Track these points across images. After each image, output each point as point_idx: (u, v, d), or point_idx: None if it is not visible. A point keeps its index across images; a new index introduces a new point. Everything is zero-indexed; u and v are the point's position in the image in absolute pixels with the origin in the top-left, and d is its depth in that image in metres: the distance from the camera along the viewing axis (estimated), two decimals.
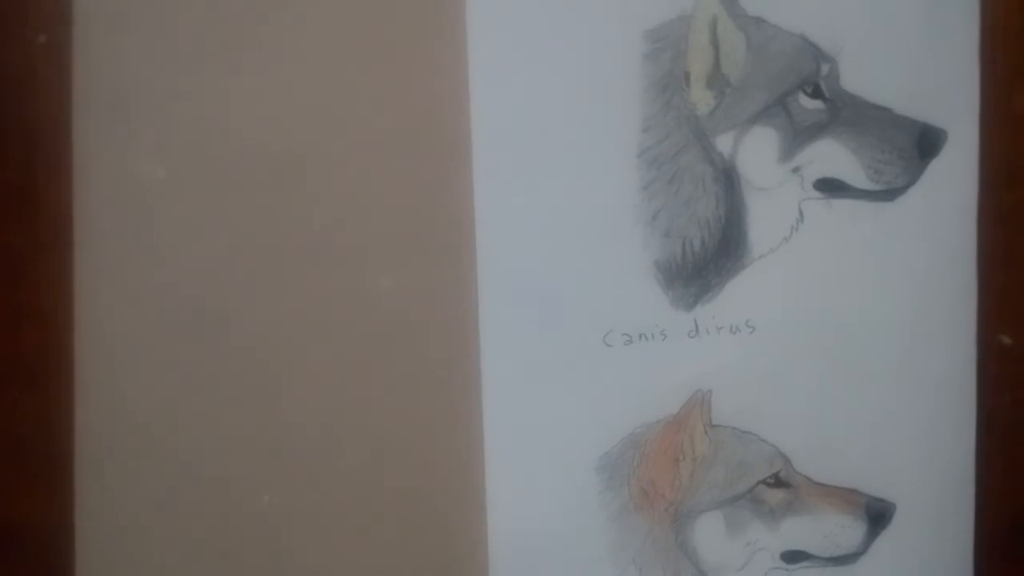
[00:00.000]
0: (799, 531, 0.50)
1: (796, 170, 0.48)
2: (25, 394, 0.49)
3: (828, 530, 0.50)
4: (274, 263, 0.47)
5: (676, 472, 0.49)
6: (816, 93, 0.48)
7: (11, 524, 0.49)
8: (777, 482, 0.50)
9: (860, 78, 0.48)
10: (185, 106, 0.46)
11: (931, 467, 0.50)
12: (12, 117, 0.48)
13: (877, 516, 0.50)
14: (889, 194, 0.49)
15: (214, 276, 0.47)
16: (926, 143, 0.49)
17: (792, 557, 0.50)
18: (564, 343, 0.48)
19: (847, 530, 0.50)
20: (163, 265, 0.47)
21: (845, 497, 0.50)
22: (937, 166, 0.49)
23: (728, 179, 0.48)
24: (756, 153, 0.48)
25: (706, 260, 0.48)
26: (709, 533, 0.49)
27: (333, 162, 0.47)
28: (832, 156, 0.48)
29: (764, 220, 0.48)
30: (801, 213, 0.49)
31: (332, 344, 0.47)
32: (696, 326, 0.48)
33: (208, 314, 0.47)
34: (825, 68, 0.48)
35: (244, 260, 0.47)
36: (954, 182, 0.49)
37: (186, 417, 0.47)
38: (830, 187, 0.49)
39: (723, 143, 0.48)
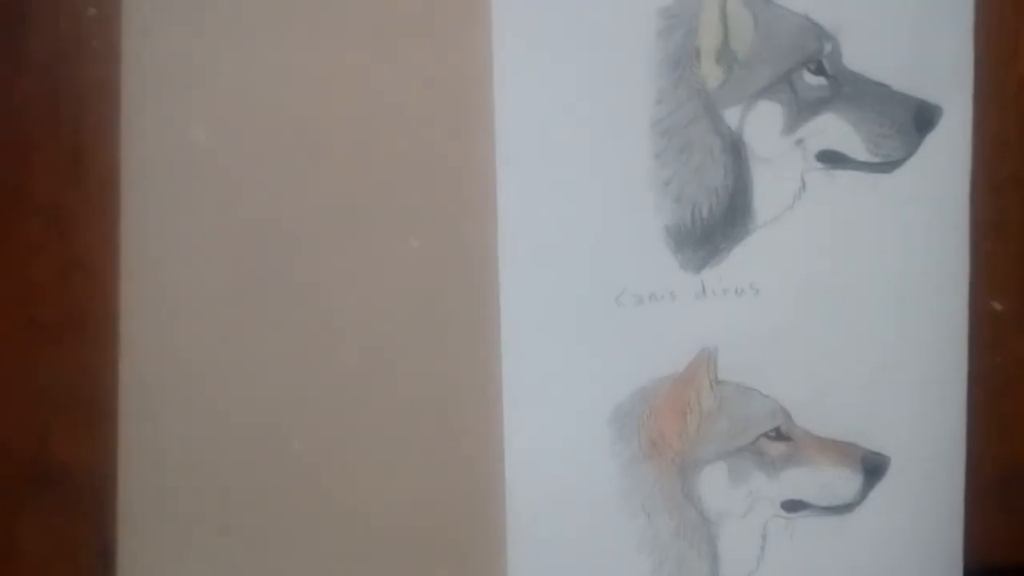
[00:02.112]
0: (799, 481, 0.51)
1: (800, 142, 0.50)
2: (73, 344, 0.51)
3: (826, 481, 0.51)
4: (309, 224, 0.49)
5: (683, 425, 0.50)
6: (819, 70, 0.50)
7: (59, 465, 0.51)
8: (778, 435, 0.51)
9: (861, 56, 0.50)
10: (228, 75, 0.48)
11: (925, 424, 0.52)
12: (64, 85, 0.50)
13: (873, 468, 0.51)
14: (887, 166, 0.51)
15: (252, 234, 0.49)
16: (922, 118, 0.50)
17: (792, 506, 0.51)
18: (579, 302, 0.49)
19: (844, 481, 0.51)
20: (203, 225, 0.49)
21: (843, 450, 0.51)
22: (933, 140, 0.51)
23: (735, 150, 0.50)
24: (762, 126, 0.50)
25: (714, 226, 0.50)
26: (713, 482, 0.51)
27: (365, 129, 0.49)
28: (834, 130, 0.50)
29: (769, 189, 0.50)
30: (804, 183, 0.50)
31: (363, 300, 0.49)
32: (703, 288, 0.50)
33: (246, 269, 0.49)
34: (828, 47, 0.50)
35: (281, 219, 0.49)
36: (949, 155, 0.51)
37: (222, 367, 0.49)
38: (831, 159, 0.50)
39: (731, 116, 0.50)
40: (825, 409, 0.51)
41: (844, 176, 0.51)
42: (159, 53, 0.48)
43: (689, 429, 0.51)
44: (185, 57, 0.48)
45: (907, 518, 0.52)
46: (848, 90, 0.50)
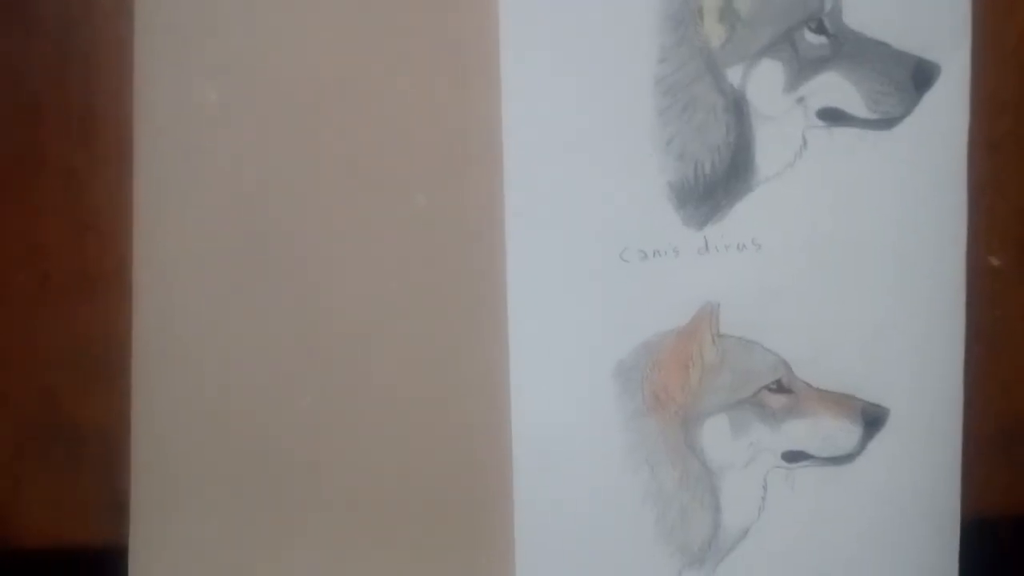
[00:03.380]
0: (799, 433, 0.52)
1: (801, 100, 0.51)
2: (87, 302, 0.52)
3: (826, 432, 0.52)
4: (320, 182, 0.50)
5: (686, 378, 0.51)
6: (820, 29, 0.50)
7: (74, 421, 0.52)
8: (779, 388, 0.51)
9: (861, 15, 0.50)
10: (239, 35, 0.49)
11: (923, 376, 0.52)
12: (76, 46, 0.51)
13: (872, 420, 0.52)
14: (886, 123, 0.51)
15: (262, 192, 0.50)
16: (921, 76, 0.51)
17: (792, 457, 0.52)
18: (584, 258, 0.50)
19: (844, 432, 0.52)
20: (214, 184, 0.50)
21: (842, 402, 0.52)
22: (931, 98, 0.51)
23: (738, 108, 0.50)
24: (764, 84, 0.50)
25: (716, 182, 0.51)
26: (716, 434, 0.51)
27: (374, 89, 0.49)
28: (834, 87, 0.51)
29: (770, 146, 0.51)
30: (805, 140, 0.51)
31: (371, 256, 0.50)
32: (706, 243, 0.51)
33: (255, 227, 0.50)
34: (828, 5, 0.50)
35: (291, 178, 0.49)
36: (947, 112, 0.51)
37: (233, 325, 0.50)
38: (832, 116, 0.51)
39: (733, 74, 0.50)
40: (826, 362, 0.52)
41: (844, 133, 0.51)
42: (171, 13, 0.49)
43: (692, 382, 0.51)
44: (196, 17, 0.49)
45: (906, 469, 0.53)
46: (848, 48, 0.51)
